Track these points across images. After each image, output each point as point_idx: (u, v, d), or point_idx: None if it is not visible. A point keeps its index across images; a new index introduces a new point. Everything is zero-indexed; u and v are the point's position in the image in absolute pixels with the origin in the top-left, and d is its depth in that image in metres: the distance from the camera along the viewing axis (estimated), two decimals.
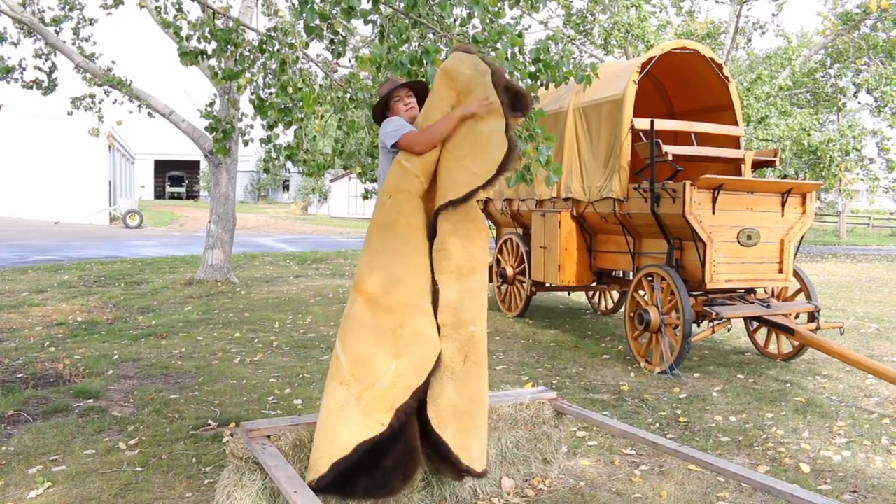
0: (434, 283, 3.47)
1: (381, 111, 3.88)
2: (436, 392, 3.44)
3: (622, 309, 9.86)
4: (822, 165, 17.98)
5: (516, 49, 4.89)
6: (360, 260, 3.49)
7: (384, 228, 3.45)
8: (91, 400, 5.46)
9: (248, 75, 6.23)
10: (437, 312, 3.45)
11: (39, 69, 12.13)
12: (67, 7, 11.98)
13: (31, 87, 12.17)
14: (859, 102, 21.17)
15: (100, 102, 13.34)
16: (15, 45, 11.55)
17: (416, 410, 3.39)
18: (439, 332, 3.44)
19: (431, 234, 3.50)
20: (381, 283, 3.36)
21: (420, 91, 3.88)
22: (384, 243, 3.43)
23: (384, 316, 3.34)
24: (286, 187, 62.49)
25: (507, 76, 3.71)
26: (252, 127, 7.77)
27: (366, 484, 3.29)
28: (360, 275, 3.43)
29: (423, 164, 3.49)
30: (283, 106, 6.09)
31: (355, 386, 3.26)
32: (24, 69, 11.91)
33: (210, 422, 4.98)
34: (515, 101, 3.56)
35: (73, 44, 12.21)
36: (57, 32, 11.93)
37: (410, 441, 3.38)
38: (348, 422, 3.22)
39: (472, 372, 3.50)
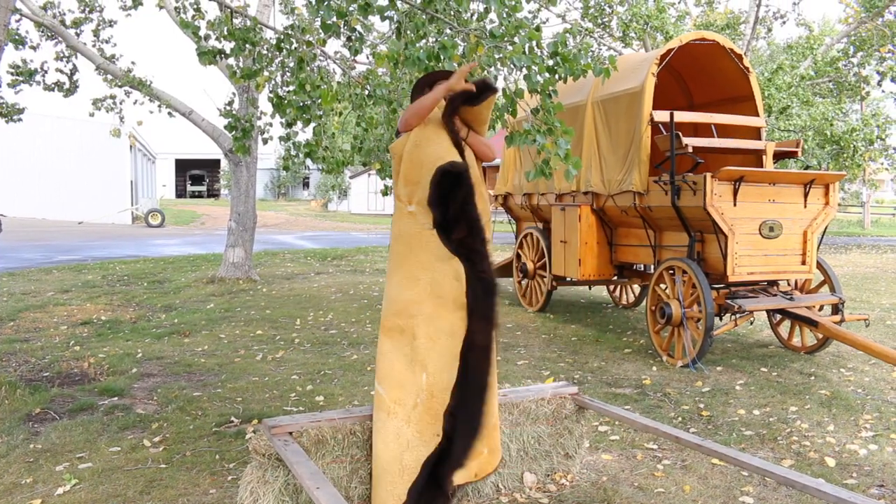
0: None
1: (422, 92, 3.79)
2: None
3: (643, 303, 9.81)
4: (845, 155, 17.73)
5: (534, 43, 4.87)
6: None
7: (408, 238, 3.52)
8: (116, 398, 5.52)
9: (266, 73, 6.26)
10: None
11: (61, 71, 12.25)
12: (87, 9, 12.08)
13: (53, 90, 12.28)
14: (883, 91, 20.79)
15: (121, 103, 13.43)
16: (34, 48, 11.65)
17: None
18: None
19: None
20: (393, 309, 3.49)
21: None
22: (407, 256, 3.49)
23: (400, 338, 3.46)
24: (306, 184, 62.79)
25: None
26: (271, 125, 7.80)
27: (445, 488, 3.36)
28: (382, 311, 3.57)
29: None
30: (301, 104, 6.11)
31: (401, 411, 3.37)
32: (46, 72, 12.01)
33: (233, 419, 5.02)
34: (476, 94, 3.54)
35: (94, 45, 12.30)
36: (77, 35, 12.03)
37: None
38: (409, 447, 3.33)
39: None
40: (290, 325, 8.52)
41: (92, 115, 13.61)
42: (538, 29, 4.93)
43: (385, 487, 3.31)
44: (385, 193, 7.12)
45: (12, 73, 11.57)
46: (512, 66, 4.93)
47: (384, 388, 3.42)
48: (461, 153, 3.50)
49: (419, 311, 3.43)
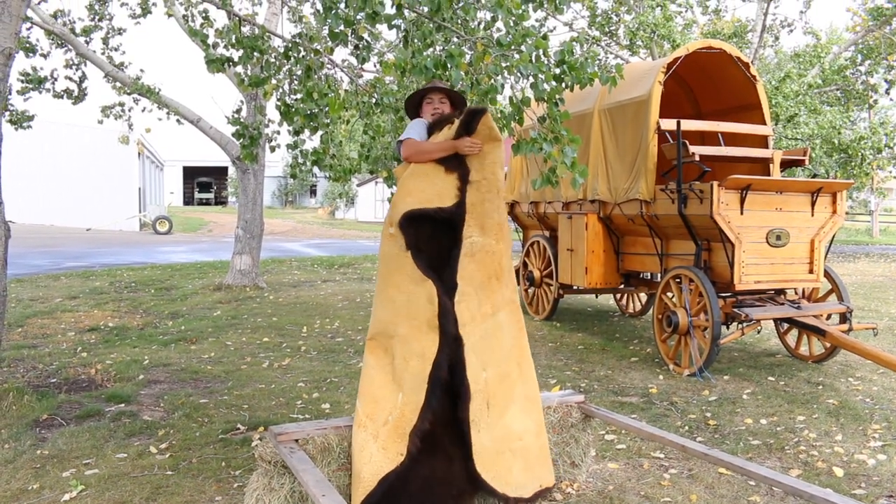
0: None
1: (415, 110, 4.01)
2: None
3: (650, 311, 9.79)
4: (853, 164, 17.65)
5: (541, 51, 4.87)
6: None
7: (388, 260, 3.62)
8: (122, 404, 5.53)
9: (273, 82, 6.28)
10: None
11: (70, 79, 12.31)
12: (97, 17, 12.16)
13: (62, 97, 12.35)
14: (891, 99, 20.70)
15: (129, 110, 13.51)
16: (45, 56, 11.74)
17: (435, 431, 3.44)
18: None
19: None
20: (377, 327, 3.61)
21: (457, 101, 3.93)
22: (387, 277, 3.60)
23: (383, 355, 3.57)
24: (313, 192, 62.96)
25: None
26: (279, 133, 7.83)
27: None
28: (369, 327, 3.69)
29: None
30: (309, 112, 6.12)
31: (371, 426, 3.43)
32: (56, 79, 12.10)
33: (239, 426, 5.02)
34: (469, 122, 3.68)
35: (103, 53, 12.38)
36: (87, 42, 12.12)
37: (437, 461, 3.43)
38: (370, 461, 3.36)
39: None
40: (297, 333, 8.53)
41: (101, 122, 13.70)
42: (545, 37, 4.94)
43: (354, 491, 3.36)
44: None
45: (22, 81, 11.66)
46: (519, 74, 4.94)
47: (359, 402, 3.51)
48: (463, 190, 3.61)
49: (396, 332, 3.53)
